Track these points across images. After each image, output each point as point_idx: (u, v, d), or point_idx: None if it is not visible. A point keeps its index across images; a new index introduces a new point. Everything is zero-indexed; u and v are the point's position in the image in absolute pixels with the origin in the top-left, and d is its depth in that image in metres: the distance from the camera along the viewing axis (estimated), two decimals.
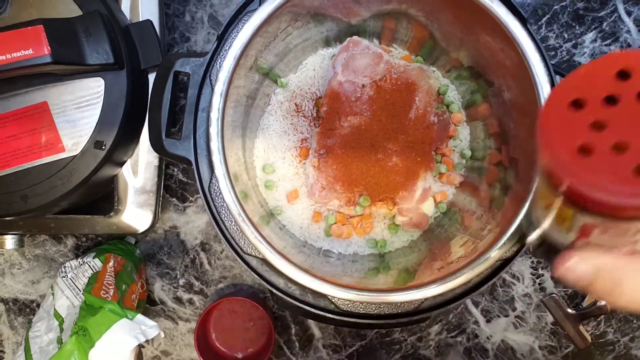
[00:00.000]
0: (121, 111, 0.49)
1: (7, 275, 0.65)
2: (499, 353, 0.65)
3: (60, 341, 0.49)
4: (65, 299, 0.54)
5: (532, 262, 0.63)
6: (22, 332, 0.66)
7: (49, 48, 0.43)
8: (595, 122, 0.23)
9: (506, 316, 0.65)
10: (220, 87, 0.45)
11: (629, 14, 0.61)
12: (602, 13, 0.61)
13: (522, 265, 0.64)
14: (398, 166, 0.54)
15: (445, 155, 0.57)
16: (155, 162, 0.56)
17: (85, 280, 0.54)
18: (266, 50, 0.50)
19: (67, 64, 0.46)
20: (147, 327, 0.50)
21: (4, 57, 0.43)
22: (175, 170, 0.63)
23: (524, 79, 0.45)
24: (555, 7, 0.61)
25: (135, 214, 0.56)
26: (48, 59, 0.43)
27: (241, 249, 0.45)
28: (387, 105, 0.54)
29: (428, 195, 0.55)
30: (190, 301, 0.65)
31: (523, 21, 0.44)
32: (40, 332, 0.52)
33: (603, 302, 0.62)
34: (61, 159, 0.49)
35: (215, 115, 0.45)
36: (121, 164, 0.55)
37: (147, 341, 0.49)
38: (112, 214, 0.56)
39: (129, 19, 0.54)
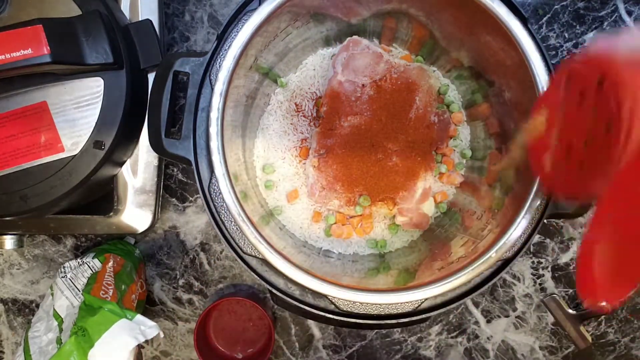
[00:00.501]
0: (121, 111, 0.49)
1: (7, 275, 0.65)
2: (499, 353, 0.65)
3: (59, 341, 0.49)
4: (64, 299, 0.53)
5: (533, 262, 0.63)
6: (21, 332, 0.66)
7: (49, 48, 0.43)
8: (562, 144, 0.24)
9: (507, 316, 0.64)
10: (220, 86, 0.45)
11: (629, 13, 0.61)
12: (603, 13, 0.61)
13: (523, 266, 0.63)
14: (398, 166, 0.54)
15: (446, 155, 0.57)
16: (155, 162, 0.56)
17: (85, 281, 0.54)
18: (266, 50, 0.50)
19: (67, 63, 0.46)
20: (146, 327, 0.49)
21: (3, 57, 0.43)
22: (175, 170, 0.63)
23: (524, 78, 0.44)
24: (556, 6, 0.61)
25: (135, 214, 0.56)
26: (47, 58, 0.43)
27: (241, 249, 0.45)
28: (387, 105, 0.54)
29: (428, 195, 0.55)
30: (190, 301, 0.65)
31: (524, 21, 0.44)
32: (40, 333, 0.52)
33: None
34: (60, 159, 0.49)
35: (214, 115, 0.44)
36: (121, 163, 0.55)
37: (146, 341, 0.49)
38: (111, 214, 0.56)
39: (128, 18, 0.54)
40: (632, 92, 0.20)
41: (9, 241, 0.58)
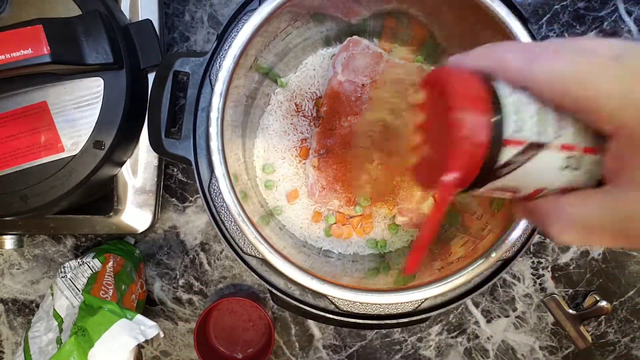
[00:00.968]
0: (121, 111, 0.49)
1: (7, 275, 0.65)
2: (499, 353, 0.65)
3: (59, 341, 0.49)
4: (64, 299, 0.53)
5: (533, 262, 0.63)
6: (21, 332, 0.66)
7: (49, 48, 0.43)
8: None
9: (507, 316, 0.64)
10: (219, 86, 0.45)
11: (629, 13, 0.61)
12: (603, 13, 0.61)
13: (523, 266, 0.63)
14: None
15: None
16: (155, 162, 0.56)
17: (85, 281, 0.54)
18: (266, 50, 0.50)
19: (67, 63, 0.46)
20: (146, 327, 0.49)
21: (3, 57, 0.42)
22: (175, 170, 0.63)
23: None
24: (556, 6, 0.61)
25: (135, 214, 0.56)
26: (47, 58, 0.43)
27: (241, 249, 0.45)
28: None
29: (428, 195, 0.55)
30: (190, 301, 0.65)
31: (524, 21, 0.44)
32: (40, 333, 0.52)
33: (604, 303, 0.62)
34: (60, 159, 0.49)
35: (214, 115, 0.44)
36: (121, 163, 0.55)
37: (146, 341, 0.49)
38: (111, 214, 0.56)
39: (128, 18, 0.54)
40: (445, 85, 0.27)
41: (9, 241, 0.58)
